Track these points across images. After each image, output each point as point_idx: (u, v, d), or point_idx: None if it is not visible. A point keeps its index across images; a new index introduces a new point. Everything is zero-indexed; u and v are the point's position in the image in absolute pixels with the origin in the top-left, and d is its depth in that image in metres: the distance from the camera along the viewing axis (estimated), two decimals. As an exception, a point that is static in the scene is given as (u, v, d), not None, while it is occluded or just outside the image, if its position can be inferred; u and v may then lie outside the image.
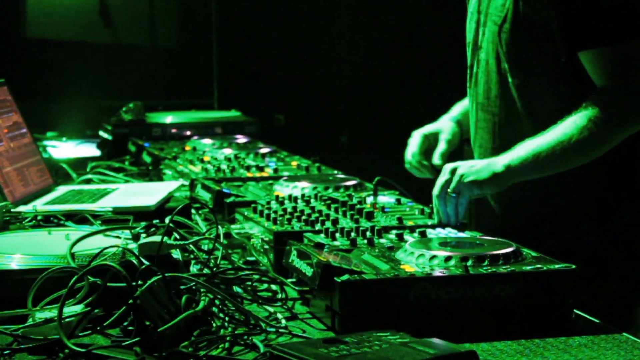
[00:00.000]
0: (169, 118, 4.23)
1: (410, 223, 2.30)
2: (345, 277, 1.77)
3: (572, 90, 2.41)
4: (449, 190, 2.37)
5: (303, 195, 2.59)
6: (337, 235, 2.12)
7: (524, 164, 2.38)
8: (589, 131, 2.34)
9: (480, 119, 2.57)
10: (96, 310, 1.76)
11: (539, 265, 1.85)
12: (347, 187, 2.73)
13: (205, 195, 2.78)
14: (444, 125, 2.82)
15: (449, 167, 2.42)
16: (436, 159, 2.75)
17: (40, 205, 2.72)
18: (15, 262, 1.99)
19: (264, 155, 3.45)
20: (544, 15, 2.37)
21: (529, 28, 2.40)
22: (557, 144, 2.36)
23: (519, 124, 2.48)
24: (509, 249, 1.91)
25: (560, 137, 2.36)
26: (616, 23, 2.35)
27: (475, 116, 2.60)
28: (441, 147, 2.77)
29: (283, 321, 1.86)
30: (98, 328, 1.74)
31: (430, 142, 2.79)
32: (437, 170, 2.64)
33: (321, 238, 2.11)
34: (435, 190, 2.38)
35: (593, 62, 2.35)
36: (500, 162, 2.39)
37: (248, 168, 3.18)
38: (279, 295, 2.01)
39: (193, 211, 2.67)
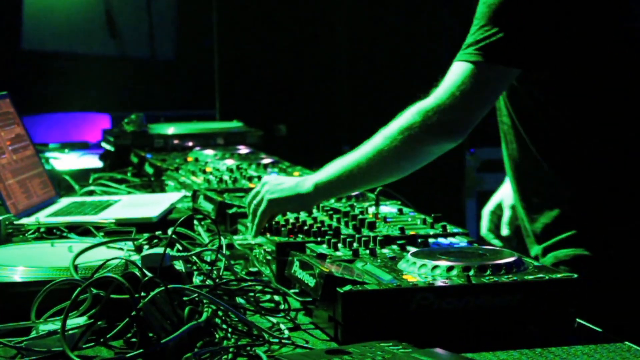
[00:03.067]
0: (170, 129, 4.24)
1: (412, 233, 2.30)
2: (348, 287, 1.77)
3: (566, 117, 2.39)
4: (254, 202, 2.38)
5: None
6: (339, 245, 2.13)
7: (331, 183, 2.35)
8: (399, 142, 2.30)
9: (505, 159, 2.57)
10: (99, 322, 1.76)
11: (541, 275, 1.86)
12: (349, 198, 2.73)
13: (208, 206, 2.79)
14: (505, 191, 2.80)
15: (264, 179, 2.43)
16: (504, 231, 2.76)
17: (43, 217, 2.72)
18: (18, 275, 1.99)
19: (266, 166, 3.46)
20: None
21: None
22: (364, 160, 2.32)
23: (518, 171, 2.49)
24: (511, 259, 1.92)
25: (367, 153, 2.33)
26: (481, 41, 2.29)
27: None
28: (506, 215, 2.78)
29: (286, 332, 1.86)
30: (101, 340, 1.74)
31: (498, 216, 2.80)
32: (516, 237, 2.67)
33: (323, 248, 2.11)
34: (247, 198, 2.42)
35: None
36: (308, 182, 2.38)
37: (250, 179, 3.18)
38: (282, 306, 2.01)
39: (195, 222, 2.67)
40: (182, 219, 2.14)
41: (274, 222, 2.37)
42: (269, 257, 2.26)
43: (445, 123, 2.30)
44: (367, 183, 2.38)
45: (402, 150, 2.31)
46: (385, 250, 2.10)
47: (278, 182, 2.42)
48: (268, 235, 2.33)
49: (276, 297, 2.06)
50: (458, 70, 2.31)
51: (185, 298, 1.84)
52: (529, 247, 2.54)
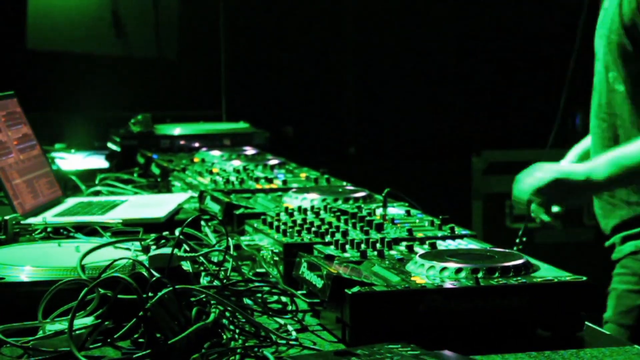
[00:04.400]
0: (177, 130, 4.23)
1: (420, 235, 2.29)
2: (356, 289, 1.77)
3: None
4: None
5: (312, 207, 2.59)
6: (347, 247, 2.12)
7: (620, 175, 2.45)
8: None
9: (594, 125, 2.64)
10: (106, 323, 1.76)
11: (549, 277, 1.85)
12: (356, 199, 2.73)
13: (215, 207, 2.78)
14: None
15: (545, 178, 2.49)
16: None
17: (50, 217, 2.72)
18: (26, 274, 1.99)
19: (272, 167, 3.45)
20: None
21: (631, 38, 2.44)
22: None
23: (622, 131, 2.53)
24: (520, 261, 1.91)
25: None
26: None
27: (592, 123, 2.66)
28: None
29: (293, 333, 1.86)
30: (108, 340, 1.74)
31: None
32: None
33: (331, 250, 2.11)
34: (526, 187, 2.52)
35: None
36: (596, 179, 2.46)
37: (257, 180, 3.18)
38: (289, 307, 2.01)
39: (202, 223, 2.67)
40: (190, 219, 2.14)
41: (281, 223, 2.37)
42: (276, 258, 2.25)
43: None
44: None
45: None
46: (393, 252, 2.09)
47: (564, 186, 2.50)
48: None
49: (284, 299, 2.05)
50: None
51: (192, 299, 1.83)
52: (605, 227, 2.57)
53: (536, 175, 2.50)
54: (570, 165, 2.61)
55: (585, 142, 2.81)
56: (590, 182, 2.45)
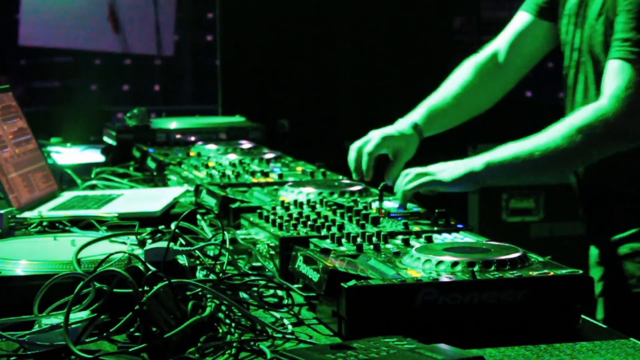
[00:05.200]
0: (173, 124, 4.23)
1: (416, 228, 2.29)
2: (352, 282, 1.77)
3: None
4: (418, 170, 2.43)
5: (308, 201, 2.59)
6: (343, 240, 2.12)
7: (503, 165, 2.40)
8: (575, 143, 2.34)
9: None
10: (102, 317, 1.76)
11: (546, 271, 1.85)
12: (352, 193, 2.73)
13: (211, 201, 2.78)
14: (407, 139, 2.79)
15: (419, 169, 2.45)
16: (390, 180, 2.71)
17: (46, 211, 2.72)
18: (21, 268, 1.98)
19: (268, 161, 3.45)
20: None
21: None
22: (538, 151, 2.36)
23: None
24: (516, 254, 1.91)
25: (542, 144, 2.37)
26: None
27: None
28: (397, 166, 2.76)
29: (289, 327, 1.86)
30: (104, 334, 1.74)
31: (386, 148, 2.77)
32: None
33: (327, 244, 2.10)
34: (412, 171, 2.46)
35: (611, 71, 2.35)
36: (479, 160, 2.42)
37: (253, 173, 3.17)
38: (285, 301, 2.01)
39: (198, 217, 2.66)
40: (186, 213, 2.14)
41: (277, 217, 2.36)
42: (272, 252, 2.25)
43: (627, 128, 2.35)
44: (535, 172, 2.47)
45: (580, 150, 2.37)
46: (389, 246, 2.09)
47: (445, 164, 2.46)
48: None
49: (280, 292, 2.05)
50: (621, 71, 2.34)
51: (188, 292, 1.83)
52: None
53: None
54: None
55: (437, 96, 2.85)
56: (473, 162, 2.43)
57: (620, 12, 2.38)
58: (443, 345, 1.57)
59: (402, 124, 2.80)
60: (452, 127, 2.85)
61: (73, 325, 1.70)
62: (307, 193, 2.71)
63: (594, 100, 2.43)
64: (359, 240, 2.12)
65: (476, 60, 2.83)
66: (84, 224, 2.57)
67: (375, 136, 2.74)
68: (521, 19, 2.75)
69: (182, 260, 2.02)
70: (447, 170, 2.45)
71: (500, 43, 2.80)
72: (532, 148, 2.38)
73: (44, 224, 2.59)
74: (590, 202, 2.61)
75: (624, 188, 2.52)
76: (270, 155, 3.55)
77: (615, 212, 2.54)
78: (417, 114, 2.82)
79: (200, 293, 1.85)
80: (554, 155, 2.36)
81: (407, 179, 2.48)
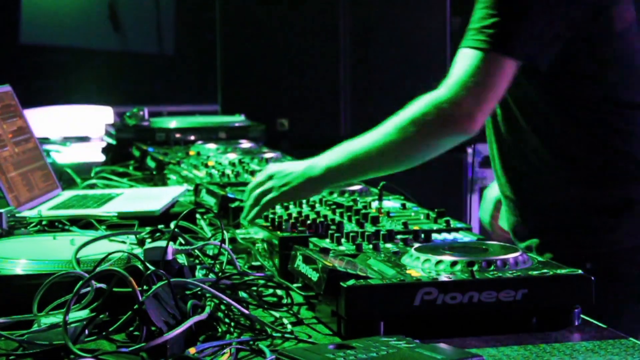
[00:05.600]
0: (172, 123, 4.23)
1: (415, 228, 2.29)
2: (351, 282, 1.77)
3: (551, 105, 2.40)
4: (258, 190, 2.39)
5: (308, 200, 2.59)
6: (343, 240, 2.12)
7: (341, 167, 2.34)
8: (409, 134, 2.29)
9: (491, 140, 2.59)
10: (101, 316, 1.76)
11: (545, 271, 1.85)
12: (352, 192, 2.73)
13: (210, 200, 2.78)
14: None
15: (269, 168, 2.42)
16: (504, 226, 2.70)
17: (45, 210, 2.72)
18: (20, 267, 1.98)
19: (268, 160, 3.45)
20: None
21: None
22: (374, 148, 2.31)
23: (516, 127, 2.48)
24: (516, 254, 1.91)
25: (377, 141, 2.31)
26: (491, 32, 2.28)
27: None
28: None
29: (289, 326, 1.86)
30: (103, 333, 1.74)
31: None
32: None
33: (326, 243, 2.10)
34: (250, 185, 2.44)
35: (458, 60, 2.31)
36: (317, 166, 2.37)
37: (252, 173, 3.17)
38: (285, 301, 2.00)
39: (198, 216, 2.66)
40: (185, 212, 2.13)
41: (276, 217, 2.36)
42: (272, 251, 2.25)
43: (461, 116, 2.26)
44: (375, 171, 2.37)
45: (415, 142, 2.30)
46: (388, 245, 2.09)
47: (285, 172, 2.40)
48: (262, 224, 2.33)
49: (279, 292, 2.05)
50: (467, 59, 2.28)
51: (187, 292, 1.83)
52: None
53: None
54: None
55: None
56: (311, 169, 2.38)
57: (477, 3, 2.36)
58: (442, 345, 1.57)
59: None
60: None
61: (72, 325, 1.70)
62: (307, 192, 2.70)
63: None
64: (358, 239, 2.12)
65: None
66: (84, 223, 2.57)
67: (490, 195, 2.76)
68: None
69: (182, 259, 2.02)
70: (287, 183, 2.39)
71: None
72: (368, 146, 2.31)
73: (44, 223, 2.59)
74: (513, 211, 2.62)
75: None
76: (270, 155, 3.55)
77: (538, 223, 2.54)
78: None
79: (199, 292, 1.85)
80: (391, 150, 2.29)
81: (248, 203, 2.44)
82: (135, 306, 1.66)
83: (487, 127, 2.57)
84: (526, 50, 2.28)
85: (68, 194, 3.04)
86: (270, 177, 2.42)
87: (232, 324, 1.82)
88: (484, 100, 2.27)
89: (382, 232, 2.15)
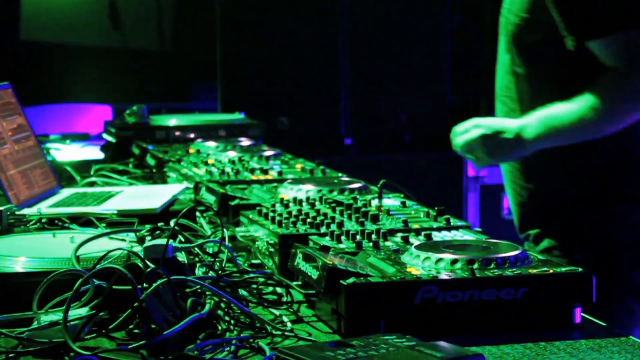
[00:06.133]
0: (172, 121, 4.22)
1: (415, 226, 2.29)
2: (351, 280, 1.76)
3: (577, 85, 2.46)
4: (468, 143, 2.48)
5: (308, 198, 2.59)
6: (343, 238, 2.12)
7: (548, 137, 2.52)
8: (604, 112, 2.46)
9: (498, 108, 2.70)
10: (101, 314, 1.76)
11: (545, 269, 1.85)
12: (352, 190, 2.73)
13: (210, 198, 2.78)
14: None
15: (478, 132, 2.49)
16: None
17: (45, 208, 2.71)
18: (20, 265, 1.98)
19: (268, 158, 3.45)
20: (547, 14, 2.43)
21: (536, 27, 2.46)
22: (576, 120, 2.48)
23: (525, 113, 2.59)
24: (516, 252, 1.91)
25: (577, 114, 2.48)
26: (622, 9, 2.45)
27: (496, 101, 2.72)
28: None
29: (289, 324, 1.86)
30: (103, 331, 1.74)
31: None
32: None
33: (326, 241, 2.10)
34: (457, 140, 2.60)
35: (604, 49, 2.46)
36: (527, 135, 2.52)
37: (252, 171, 3.17)
38: (285, 299, 2.00)
39: (198, 214, 2.66)
40: (185, 210, 2.13)
41: (276, 214, 2.36)
42: (271, 249, 2.25)
43: None
44: (570, 141, 2.55)
45: (604, 117, 2.49)
46: (388, 243, 2.09)
47: (494, 141, 2.56)
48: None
49: (279, 290, 2.05)
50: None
51: (187, 290, 1.83)
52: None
53: (468, 131, 2.55)
54: (503, 121, 2.63)
55: None
56: (519, 139, 2.50)
57: (558, 8, 2.51)
58: (442, 343, 1.57)
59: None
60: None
61: (72, 322, 1.69)
62: (307, 190, 2.71)
63: (508, 90, 2.62)
64: (358, 237, 2.12)
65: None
66: (83, 220, 2.57)
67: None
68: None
69: (182, 257, 2.02)
70: (497, 154, 2.58)
71: None
72: (571, 118, 2.49)
73: (43, 220, 2.59)
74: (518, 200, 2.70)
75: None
76: (269, 153, 3.54)
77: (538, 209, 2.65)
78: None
79: (199, 290, 1.84)
80: (589, 125, 2.49)
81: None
82: (135, 304, 1.66)
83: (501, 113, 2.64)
84: None
85: (68, 191, 3.04)
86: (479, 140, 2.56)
87: (232, 321, 1.82)
88: None
89: (382, 231, 2.15)
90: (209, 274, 2.01)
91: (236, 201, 2.63)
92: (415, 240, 2.10)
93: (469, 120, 2.64)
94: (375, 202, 2.55)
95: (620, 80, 2.45)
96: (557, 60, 2.52)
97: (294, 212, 2.38)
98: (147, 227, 2.22)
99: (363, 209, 2.39)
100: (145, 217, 2.55)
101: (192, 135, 4.14)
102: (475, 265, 1.85)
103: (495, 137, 2.55)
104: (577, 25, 2.44)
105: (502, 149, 2.54)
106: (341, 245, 2.07)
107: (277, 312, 1.93)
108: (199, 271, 2.06)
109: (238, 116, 4.49)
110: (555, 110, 2.50)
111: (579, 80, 2.50)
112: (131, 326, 1.71)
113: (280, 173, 3.13)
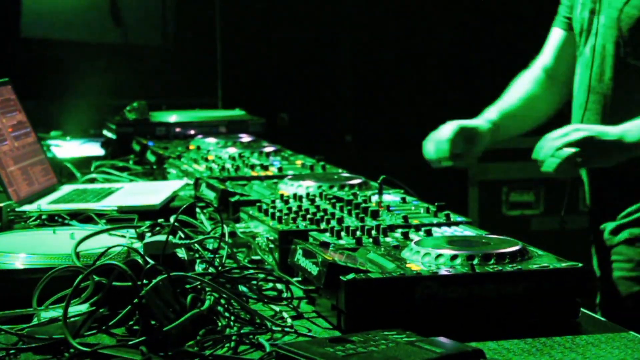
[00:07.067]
0: (172, 117, 4.23)
1: (415, 222, 2.29)
2: (351, 276, 1.76)
3: None
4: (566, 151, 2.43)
5: (308, 194, 2.58)
6: (343, 234, 2.12)
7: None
8: None
9: (591, 100, 2.64)
10: (101, 310, 1.76)
11: (545, 264, 1.85)
12: (352, 186, 2.73)
13: (210, 194, 2.78)
14: (482, 132, 2.76)
15: (580, 134, 2.45)
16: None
17: (45, 204, 2.72)
18: (20, 262, 1.98)
19: (268, 154, 3.45)
20: None
21: None
22: None
23: (632, 106, 2.54)
24: (516, 248, 1.91)
25: None
26: None
27: (585, 98, 2.66)
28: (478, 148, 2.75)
29: (289, 320, 1.86)
30: (103, 327, 1.74)
31: (463, 136, 2.73)
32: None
33: (326, 237, 2.10)
34: (555, 143, 2.45)
35: None
36: (630, 136, 2.46)
37: (252, 167, 3.17)
38: (285, 295, 2.00)
39: (198, 210, 2.66)
40: (185, 206, 2.13)
41: (276, 210, 2.36)
42: (271, 245, 2.25)
43: None
44: None
45: None
46: (388, 239, 2.09)
47: (597, 146, 2.46)
48: None
49: (279, 286, 2.05)
50: None
51: (187, 286, 1.83)
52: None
53: (568, 134, 2.49)
54: (603, 127, 2.61)
55: (505, 101, 2.84)
56: (622, 142, 2.46)
57: None
58: (442, 339, 1.57)
59: (479, 120, 2.76)
60: (516, 134, 2.88)
61: (72, 319, 1.70)
62: (307, 186, 2.71)
63: (612, 82, 2.56)
64: (358, 233, 2.12)
65: (532, 73, 2.90)
66: (83, 217, 2.57)
67: (452, 124, 2.73)
68: (556, 35, 2.84)
69: (182, 253, 2.02)
70: (597, 159, 2.50)
71: (545, 59, 2.89)
72: None
73: (43, 217, 2.59)
74: (596, 190, 2.64)
75: (626, 175, 2.57)
76: (269, 149, 3.54)
77: (617, 199, 2.57)
78: (492, 114, 2.79)
79: (199, 286, 1.84)
80: None
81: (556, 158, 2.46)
82: (135, 300, 1.66)
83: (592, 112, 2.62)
84: None
85: (68, 188, 3.04)
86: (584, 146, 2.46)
87: (232, 317, 1.82)
88: None
89: (382, 226, 2.15)
90: (209, 270, 2.01)
91: (236, 197, 2.63)
92: (415, 236, 2.09)
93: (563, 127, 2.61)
94: (375, 198, 2.55)
95: None
96: None
97: (294, 208, 2.38)
98: (147, 223, 2.22)
99: (363, 205, 2.39)
100: (145, 213, 2.55)
101: (192, 132, 4.14)
102: (475, 261, 1.85)
103: (599, 140, 2.50)
104: None
105: (604, 152, 2.49)
106: (341, 241, 2.07)
107: (277, 308, 1.93)
108: (199, 267, 2.06)
109: (238, 112, 4.49)
110: None
111: None
112: (131, 322, 1.71)
113: (280, 169, 3.13)
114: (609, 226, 2.58)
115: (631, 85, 2.56)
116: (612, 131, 2.48)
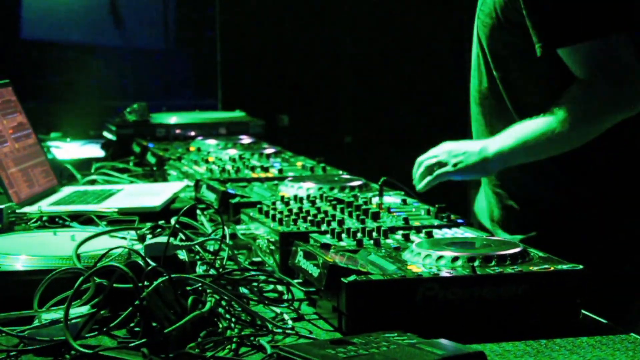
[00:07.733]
0: (173, 119, 4.23)
1: (416, 223, 2.29)
2: (352, 277, 1.76)
3: (556, 85, 2.45)
4: (431, 162, 2.56)
5: (308, 196, 2.58)
6: (343, 235, 2.12)
7: (513, 151, 2.47)
8: (570, 124, 2.39)
9: (474, 112, 2.66)
10: (102, 312, 1.76)
11: (546, 266, 1.85)
12: (352, 188, 2.73)
13: (211, 196, 2.78)
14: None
15: (443, 148, 2.54)
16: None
17: (46, 206, 2.72)
18: (21, 263, 1.98)
19: (268, 156, 3.45)
20: (519, 16, 2.42)
21: (507, 28, 2.46)
22: (542, 134, 2.42)
23: (507, 116, 2.55)
24: (516, 249, 1.91)
25: (544, 128, 2.42)
26: (589, 19, 2.38)
27: (473, 109, 2.68)
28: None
29: (290, 322, 1.86)
30: (104, 329, 1.74)
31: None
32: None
33: (327, 239, 2.10)
34: (422, 158, 2.60)
35: (571, 57, 2.41)
36: (491, 147, 2.50)
37: (253, 168, 3.17)
38: (285, 296, 2.00)
39: (198, 212, 2.66)
40: (186, 208, 2.13)
41: (277, 212, 2.36)
42: (272, 247, 2.25)
43: (611, 100, 2.42)
44: (539, 156, 2.49)
45: (573, 130, 2.41)
46: (389, 241, 2.09)
47: (461, 150, 2.55)
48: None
49: (280, 287, 2.05)
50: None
51: (188, 287, 1.83)
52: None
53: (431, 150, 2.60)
54: (470, 141, 2.64)
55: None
56: (484, 148, 2.50)
57: (528, 11, 2.44)
58: (443, 341, 1.57)
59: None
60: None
61: (73, 321, 1.69)
62: (307, 188, 2.71)
63: (487, 92, 2.59)
64: (359, 235, 2.12)
65: None
66: (84, 219, 2.57)
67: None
68: None
69: (182, 255, 2.02)
70: (461, 160, 2.54)
71: None
72: (537, 132, 2.43)
73: (44, 219, 2.59)
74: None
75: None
76: (270, 150, 3.54)
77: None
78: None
79: (200, 288, 1.84)
80: (557, 138, 2.41)
81: (420, 171, 2.59)
82: (136, 302, 1.66)
83: (478, 122, 2.63)
84: None
85: (68, 189, 3.04)
86: (443, 153, 2.56)
87: (233, 319, 1.82)
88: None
89: (382, 228, 2.15)
90: (210, 272, 2.01)
91: (237, 199, 2.63)
92: (416, 238, 2.09)
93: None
94: (376, 200, 2.55)
95: (587, 91, 2.38)
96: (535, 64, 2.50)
97: (295, 210, 2.38)
98: (148, 225, 2.22)
99: (364, 207, 2.39)
100: (146, 215, 2.55)
101: (192, 133, 4.14)
102: (476, 263, 1.85)
103: (453, 145, 2.56)
104: (545, 33, 2.39)
105: (461, 156, 2.51)
106: (342, 243, 2.07)
107: (278, 310, 1.93)
108: (200, 269, 2.06)
109: (238, 114, 4.49)
110: (522, 125, 2.46)
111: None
112: (132, 324, 1.71)
113: (280, 171, 3.13)
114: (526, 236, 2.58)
115: (500, 95, 2.56)
116: (476, 143, 2.52)
